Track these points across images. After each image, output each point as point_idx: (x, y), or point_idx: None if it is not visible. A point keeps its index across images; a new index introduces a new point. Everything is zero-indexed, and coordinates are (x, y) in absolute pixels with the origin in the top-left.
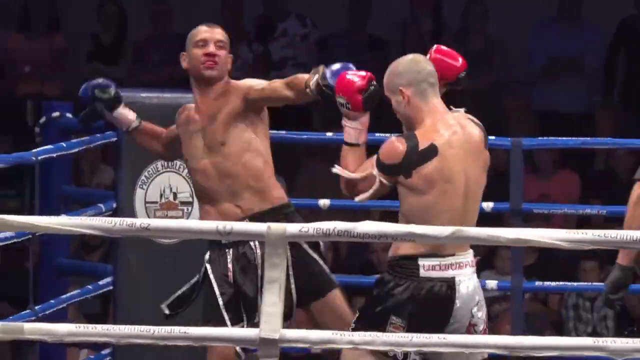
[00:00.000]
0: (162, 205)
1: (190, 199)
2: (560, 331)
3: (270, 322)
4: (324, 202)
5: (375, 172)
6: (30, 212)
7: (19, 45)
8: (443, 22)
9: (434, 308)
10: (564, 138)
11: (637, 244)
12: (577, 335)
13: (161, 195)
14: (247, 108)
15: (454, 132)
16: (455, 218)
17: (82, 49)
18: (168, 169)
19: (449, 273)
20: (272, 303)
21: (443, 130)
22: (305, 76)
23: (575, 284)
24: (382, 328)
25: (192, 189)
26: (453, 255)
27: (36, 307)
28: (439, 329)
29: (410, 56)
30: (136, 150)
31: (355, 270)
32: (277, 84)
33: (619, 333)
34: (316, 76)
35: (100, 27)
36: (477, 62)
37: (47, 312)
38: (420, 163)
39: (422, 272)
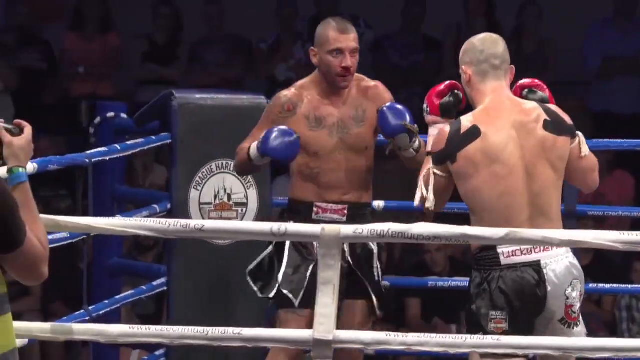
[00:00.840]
0: (217, 207)
1: (245, 200)
2: (614, 332)
3: (324, 323)
4: (378, 204)
5: (430, 166)
6: (83, 213)
7: (73, 46)
8: (497, 23)
9: (525, 294)
10: (618, 140)
11: None
12: (631, 336)
13: (215, 196)
14: None
15: (508, 115)
16: (519, 201)
17: (136, 50)
18: (222, 170)
19: (532, 257)
20: (325, 304)
21: (494, 112)
22: None
23: (629, 286)
24: (486, 327)
25: (247, 190)
26: None
27: (90, 308)
28: (537, 314)
29: (481, 35)
30: (190, 151)
31: (408, 271)
32: None
33: None
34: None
35: (154, 27)
36: (532, 63)
37: (100, 313)
38: (463, 145)
39: (503, 260)
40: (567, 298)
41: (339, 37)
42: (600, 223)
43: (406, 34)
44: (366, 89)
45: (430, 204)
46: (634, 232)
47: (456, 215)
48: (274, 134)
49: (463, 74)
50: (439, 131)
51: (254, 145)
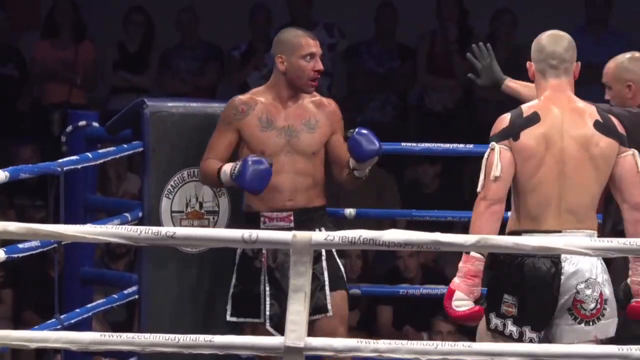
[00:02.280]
0: (188, 215)
1: (217, 208)
2: None
3: (296, 331)
4: (349, 211)
5: (492, 146)
6: (55, 221)
7: (45, 54)
8: (470, 30)
9: (539, 285)
10: None
11: None
12: None
13: (187, 205)
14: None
15: (562, 110)
16: (551, 191)
17: (108, 58)
18: (194, 179)
19: None
20: (297, 311)
21: (550, 105)
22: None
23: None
24: (499, 307)
25: (218, 198)
26: (559, 232)
27: (62, 316)
28: (549, 307)
29: (548, 33)
30: (162, 160)
31: (381, 278)
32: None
33: None
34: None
35: (126, 35)
36: (505, 71)
37: (72, 321)
38: (526, 126)
39: None
40: (578, 292)
41: (310, 42)
42: None
43: (381, 41)
44: (320, 102)
45: (498, 172)
46: (606, 239)
47: (429, 223)
48: (250, 169)
49: (529, 68)
50: (500, 117)
51: (226, 170)
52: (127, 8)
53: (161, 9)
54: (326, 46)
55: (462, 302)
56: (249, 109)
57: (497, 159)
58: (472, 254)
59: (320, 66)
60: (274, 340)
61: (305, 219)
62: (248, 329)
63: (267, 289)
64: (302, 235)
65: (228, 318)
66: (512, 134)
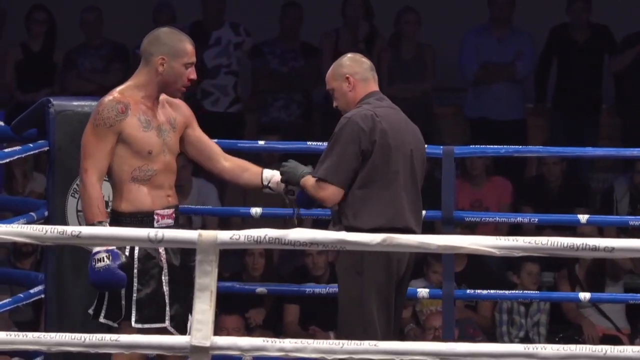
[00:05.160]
0: None
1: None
2: (493, 335)
3: (202, 330)
4: (255, 211)
5: None
6: None
7: None
8: (376, 29)
9: None
10: (495, 146)
11: (567, 250)
12: (510, 340)
13: None
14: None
15: None
16: None
17: (10, 58)
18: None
19: None
20: (202, 310)
21: None
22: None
23: (507, 292)
24: None
25: None
26: None
27: None
28: None
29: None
30: (68, 159)
31: (288, 276)
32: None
33: (551, 339)
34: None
35: (28, 35)
36: (410, 70)
37: None
38: None
39: None
40: None
41: (194, 52)
42: (478, 229)
43: (285, 41)
44: (171, 101)
45: None
46: (511, 238)
47: None
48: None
49: None
50: None
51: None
52: (29, 7)
53: (64, 8)
54: (232, 45)
55: None
56: (127, 109)
57: None
58: None
59: (194, 76)
60: (180, 340)
61: (177, 216)
62: (154, 333)
63: (167, 289)
64: (208, 234)
65: (133, 324)
66: None
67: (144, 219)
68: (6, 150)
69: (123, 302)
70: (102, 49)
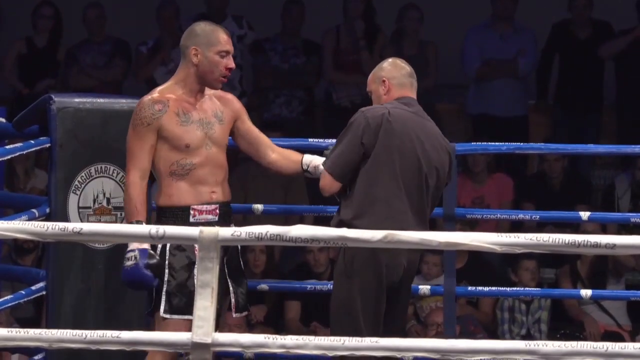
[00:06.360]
0: (96, 211)
1: (124, 204)
2: (494, 333)
3: (203, 326)
4: (257, 207)
5: None
6: None
7: None
8: (377, 26)
9: None
10: (496, 143)
11: (569, 247)
12: (511, 337)
13: (94, 201)
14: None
15: None
16: None
17: (14, 53)
18: (102, 174)
19: None
20: (204, 307)
21: None
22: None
23: (508, 289)
24: None
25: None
26: None
27: None
28: None
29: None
30: (69, 156)
31: (290, 273)
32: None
33: (552, 336)
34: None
35: (33, 30)
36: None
37: None
38: None
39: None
40: None
41: (227, 39)
42: (480, 225)
43: (286, 37)
44: (220, 95)
45: None
46: (512, 234)
47: None
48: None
49: None
50: None
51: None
52: (35, 3)
53: (68, 3)
54: (235, 37)
55: None
56: (164, 106)
57: None
58: None
59: (232, 64)
60: (181, 336)
61: (224, 213)
62: (183, 325)
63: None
64: (209, 231)
65: (162, 314)
66: None
67: (180, 213)
68: (8, 147)
69: (154, 295)
70: (104, 45)
